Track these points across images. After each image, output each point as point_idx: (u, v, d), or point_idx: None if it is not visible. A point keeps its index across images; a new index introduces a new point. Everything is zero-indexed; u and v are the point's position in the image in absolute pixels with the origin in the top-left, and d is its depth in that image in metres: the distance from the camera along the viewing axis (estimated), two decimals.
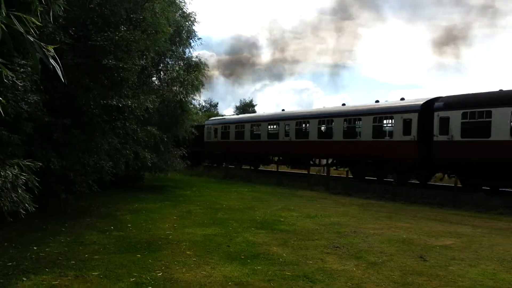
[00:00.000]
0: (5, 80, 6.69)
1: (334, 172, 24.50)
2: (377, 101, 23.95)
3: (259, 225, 10.70)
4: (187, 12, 19.70)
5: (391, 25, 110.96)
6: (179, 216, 11.84)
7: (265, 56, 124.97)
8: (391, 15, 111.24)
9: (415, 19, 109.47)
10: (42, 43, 2.94)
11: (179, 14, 18.71)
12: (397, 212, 13.89)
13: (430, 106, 19.47)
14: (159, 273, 6.48)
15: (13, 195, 6.17)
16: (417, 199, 17.02)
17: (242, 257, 7.55)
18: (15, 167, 6.35)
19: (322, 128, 24.86)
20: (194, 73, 19.14)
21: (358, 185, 20.87)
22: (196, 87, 19.39)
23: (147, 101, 12.82)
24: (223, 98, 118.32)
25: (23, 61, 7.78)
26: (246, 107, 76.94)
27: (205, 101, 78.03)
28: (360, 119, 22.42)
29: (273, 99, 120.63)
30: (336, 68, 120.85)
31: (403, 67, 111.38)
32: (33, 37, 2.91)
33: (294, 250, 8.13)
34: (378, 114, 21.67)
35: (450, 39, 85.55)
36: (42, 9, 3.43)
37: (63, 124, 10.26)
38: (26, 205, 6.28)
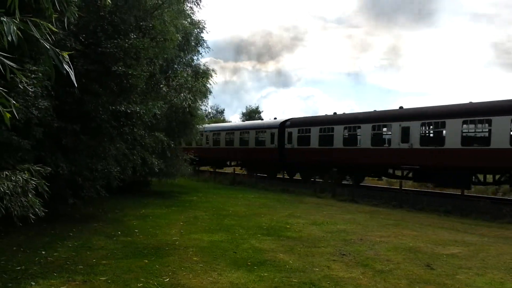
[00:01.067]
0: (20, 86, 6.81)
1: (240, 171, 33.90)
2: (261, 119, 36.23)
3: (265, 231, 10.71)
4: (196, 20, 19.86)
5: (398, 33, 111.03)
6: (185, 222, 11.88)
7: (271, 62, 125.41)
8: (398, 23, 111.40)
9: (421, 26, 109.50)
10: (57, 49, 3.00)
11: (188, 22, 18.84)
12: (403, 220, 13.84)
13: (284, 124, 28.26)
14: (166, 278, 6.51)
15: (22, 200, 6.24)
16: (424, 207, 16.93)
17: (249, 263, 7.57)
18: (25, 172, 6.43)
19: (228, 138, 33.58)
20: (202, 80, 19.25)
21: (365, 192, 20.88)
22: (204, 94, 19.50)
23: (155, 107, 12.89)
24: (229, 105, 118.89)
25: (34, 67, 7.90)
26: (252, 113, 76.94)
27: (211, 107, 78.28)
28: (248, 132, 31.55)
29: (279, 106, 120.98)
30: (344, 76, 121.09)
31: (410, 73, 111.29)
32: (48, 42, 2.97)
33: (301, 257, 8.14)
34: (258, 129, 31.12)
35: None
36: (57, 15, 3.50)
37: (73, 129, 10.36)
38: (36, 209, 6.35)
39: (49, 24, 3.03)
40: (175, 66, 19.28)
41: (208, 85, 19.90)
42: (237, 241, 9.42)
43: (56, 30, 3.18)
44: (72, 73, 3.03)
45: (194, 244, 9.01)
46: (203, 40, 20.74)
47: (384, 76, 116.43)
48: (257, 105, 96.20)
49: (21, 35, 2.81)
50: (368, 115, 23.02)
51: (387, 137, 21.52)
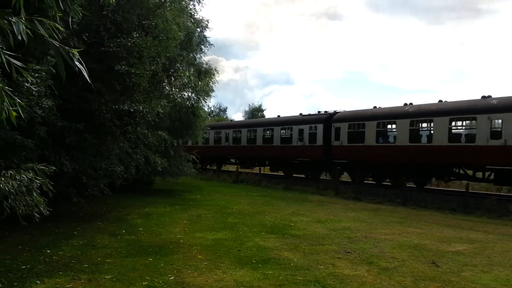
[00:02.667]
0: (26, 84, 6.82)
1: None
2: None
3: (269, 229, 10.70)
4: (199, 18, 19.84)
5: (400, 29, 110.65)
6: (189, 220, 11.88)
7: (274, 60, 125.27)
8: (397, 18, 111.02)
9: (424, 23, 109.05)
10: (66, 47, 3.01)
11: (191, 21, 18.84)
12: (408, 217, 13.81)
13: None
14: (171, 277, 6.51)
15: (27, 199, 6.24)
16: (428, 204, 16.90)
17: (253, 261, 7.56)
18: (30, 171, 6.43)
19: None
20: (205, 79, 19.27)
21: (368, 189, 20.87)
22: (207, 93, 19.51)
23: (158, 106, 12.90)
24: (232, 103, 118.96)
25: (37, 66, 7.90)
26: (255, 111, 76.99)
27: (214, 105, 78.42)
28: None
29: (282, 104, 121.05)
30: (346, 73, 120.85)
31: (413, 71, 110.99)
32: (56, 41, 2.98)
33: (305, 255, 8.12)
34: None
35: None
36: (60, 14, 3.49)
37: (76, 128, 10.37)
38: (41, 208, 6.35)
39: (56, 23, 3.03)
40: (178, 64, 19.28)
41: (211, 84, 19.92)
42: (241, 239, 9.41)
43: (62, 29, 3.17)
44: (84, 70, 3.05)
45: (198, 242, 9.01)
46: (206, 38, 20.73)
47: (386, 74, 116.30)
48: (260, 103, 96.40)
49: (30, 34, 2.82)
50: (228, 124, 36.84)
51: (240, 138, 32.56)
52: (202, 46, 20.62)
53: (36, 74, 7.73)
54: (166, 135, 16.48)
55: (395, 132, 21.23)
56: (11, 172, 5.93)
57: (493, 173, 18.10)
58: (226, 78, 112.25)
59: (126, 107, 11.31)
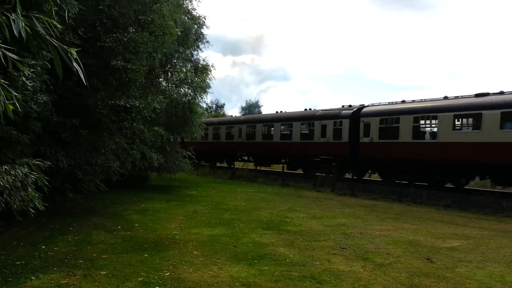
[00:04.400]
0: (23, 78, 6.78)
1: None
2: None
3: (265, 225, 10.72)
4: (196, 15, 19.80)
5: (397, 25, 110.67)
6: (185, 216, 11.88)
7: (271, 56, 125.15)
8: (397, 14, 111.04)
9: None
10: (64, 46, 2.99)
11: (188, 17, 18.80)
12: (403, 214, 13.86)
13: None
14: (166, 272, 6.51)
15: (22, 194, 6.21)
16: (423, 201, 16.96)
17: (249, 257, 7.57)
18: (25, 166, 6.39)
19: None
20: (202, 75, 19.23)
21: (364, 186, 20.93)
22: (203, 89, 19.47)
23: (154, 101, 12.86)
24: (229, 99, 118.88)
25: (33, 61, 7.85)
26: (252, 108, 76.97)
27: (212, 102, 78.36)
28: None
29: (279, 100, 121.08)
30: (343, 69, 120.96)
31: (409, 68, 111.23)
32: (53, 39, 2.96)
33: (301, 251, 8.14)
34: None
35: None
36: (56, 8, 3.46)
37: (72, 124, 10.33)
38: (36, 204, 6.32)
39: (53, 21, 3.00)
40: (174, 60, 19.24)
41: (207, 80, 19.89)
42: (237, 235, 9.42)
43: (60, 27, 3.15)
44: (81, 71, 3.02)
45: (194, 238, 9.01)
46: (203, 35, 20.68)
47: (382, 70, 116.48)
48: (256, 99, 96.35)
49: (30, 32, 2.79)
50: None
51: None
52: (199, 43, 20.57)
53: (32, 69, 7.69)
54: (163, 131, 16.44)
55: (220, 134, 35.73)
56: (5, 167, 5.90)
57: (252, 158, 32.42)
58: (222, 74, 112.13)
59: (122, 103, 11.26)
